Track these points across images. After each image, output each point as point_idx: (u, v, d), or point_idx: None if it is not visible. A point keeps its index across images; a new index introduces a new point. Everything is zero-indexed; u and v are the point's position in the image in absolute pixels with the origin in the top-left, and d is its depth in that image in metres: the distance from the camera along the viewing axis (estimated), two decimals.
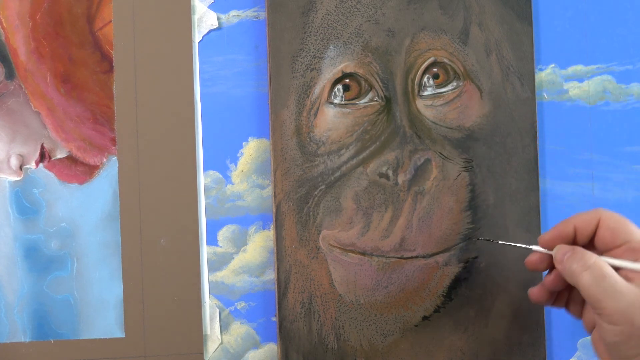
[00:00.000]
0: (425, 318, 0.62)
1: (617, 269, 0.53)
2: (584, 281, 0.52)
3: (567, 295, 0.58)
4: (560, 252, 0.55)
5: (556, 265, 0.55)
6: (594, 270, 0.52)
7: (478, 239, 0.62)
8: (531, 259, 0.58)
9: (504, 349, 0.63)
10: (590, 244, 0.56)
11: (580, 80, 0.66)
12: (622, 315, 0.51)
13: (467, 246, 0.63)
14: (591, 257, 0.53)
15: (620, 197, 0.65)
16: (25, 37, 0.61)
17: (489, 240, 0.61)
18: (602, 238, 0.55)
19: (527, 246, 0.58)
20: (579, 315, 0.58)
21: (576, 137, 0.65)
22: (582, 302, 0.57)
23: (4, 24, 0.61)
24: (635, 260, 0.53)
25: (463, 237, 0.63)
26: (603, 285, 0.52)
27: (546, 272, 0.58)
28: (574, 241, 0.56)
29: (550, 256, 0.57)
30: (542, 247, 0.57)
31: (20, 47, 0.61)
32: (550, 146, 0.65)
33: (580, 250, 0.54)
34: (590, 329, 0.57)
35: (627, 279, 0.53)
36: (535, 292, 0.58)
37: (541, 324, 0.63)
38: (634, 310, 0.51)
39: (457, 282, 0.63)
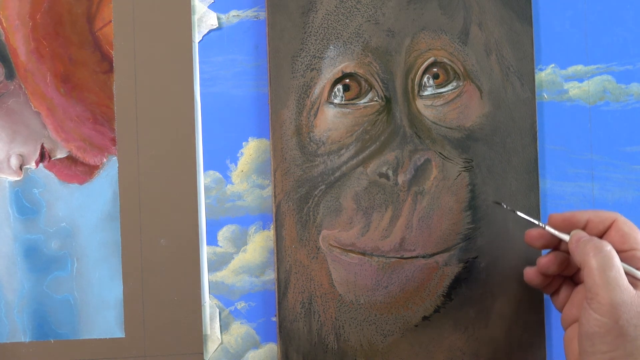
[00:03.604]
0: (425, 318, 0.62)
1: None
2: (592, 264, 0.53)
3: (558, 285, 0.60)
4: (578, 235, 0.56)
5: (569, 245, 0.56)
6: (605, 257, 0.53)
7: (498, 203, 0.62)
8: (532, 233, 0.59)
9: (504, 349, 0.63)
10: None
11: (580, 80, 0.66)
12: (611, 309, 0.52)
13: (467, 246, 0.63)
14: (607, 245, 0.54)
15: (620, 197, 0.65)
16: (25, 37, 0.61)
17: (509, 208, 0.61)
18: (612, 239, 0.56)
19: (542, 224, 0.58)
20: (561, 308, 0.59)
21: (576, 137, 0.65)
22: (568, 296, 0.59)
23: (4, 24, 0.61)
24: (637, 268, 0.55)
25: (463, 237, 0.63)
26: (608, 274, 0.53)
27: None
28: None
29: (549, 237, 0.58)
30: (551, 224, 0.58)
31: (20, 47, 0.61)
32: (550, 146, 0.65)
33: (596, 238, 0.55)
34: (568, 324, 0.58)
35: (631, 283, 0.53)
36: (529, 272, 0.60)
37: (541, 324, 0.63)
38: (624, 309, 0.52)
39: (457, 282, 0.63)
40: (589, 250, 0.54)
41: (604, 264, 0.53)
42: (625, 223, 0.56)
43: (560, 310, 0.59)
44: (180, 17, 0.62)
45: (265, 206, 0.63)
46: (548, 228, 0.58)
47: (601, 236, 0.57)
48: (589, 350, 0.53)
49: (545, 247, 0.59)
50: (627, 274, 0.54)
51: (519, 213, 0.60)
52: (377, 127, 0.62)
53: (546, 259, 0.58)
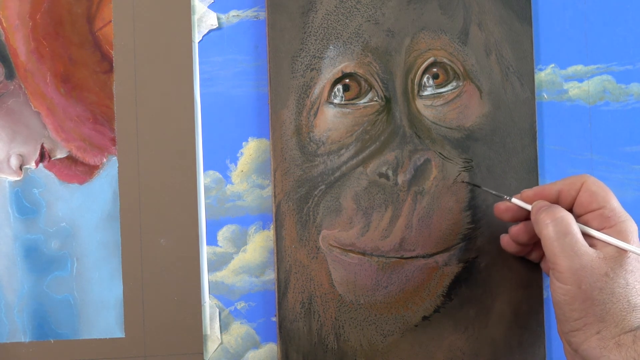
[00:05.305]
0: (425, 318, 0.62)
1: (586, 234, 0.54)
2: (547, 232, 0.53)
3: (542, 252, 0.60)
4: (538, 205, 0.56)
5: (531, 217, 0.56)
6: (558, 224, 0.53)
7: (463, 182, 0.62)
8: (499, 207, 0.59)
9: (504, 349, 0.63)
10: (570, 210, 0.56)
11: (580, 80, 0.66)
12: (571, 275, 0.52)
13: (467, 246, 0.63)
14: (560, 211, 0.54)
15: (620, 197, 0.65)
16: (25, 37, 0.61)
17: (475, 185, 0.62)
18: (581, 201, 0.56)
19: (507, 197, 0.59)
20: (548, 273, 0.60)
21: (576, 137, 0.65)
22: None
23: (4, 24, 0.61)
24: (602, 227, 0.54)
25: (463, 237, 0.63)
26: (563, 241, 0.53)
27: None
28: (555, 203, 0.57)
29: (517, 209, 0.58)
30: (524, 200, 0.58)
31: (20, 47, 0.61)
32: (550, 146, 0.65)
33: (555, 205, 0.55)
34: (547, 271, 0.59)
35: (592, 244, 0.53)
36: (504, 239, 0.61)
37: (541, 323, 0.63)
38: (584, 274, 0.52)
39: (457, 282, 0.63)
40: (544, 219, 0.54)
41: (558, 231, 0.53)
42: (594, 183, 0.55)
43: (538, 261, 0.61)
44: (180, 17, 0.62)
45: (265, 206, 0.63)
46: (513, 200, 0.58)
47: (574, 202, 0.56)
48: (562, 318, 0.53)
49: (515, 219, 0.59)
50: (588, 235, 0.54)
51: (484, 188, 0.61)
52: (377, 127, 0.62)
53: (516, 228, 0.59)
